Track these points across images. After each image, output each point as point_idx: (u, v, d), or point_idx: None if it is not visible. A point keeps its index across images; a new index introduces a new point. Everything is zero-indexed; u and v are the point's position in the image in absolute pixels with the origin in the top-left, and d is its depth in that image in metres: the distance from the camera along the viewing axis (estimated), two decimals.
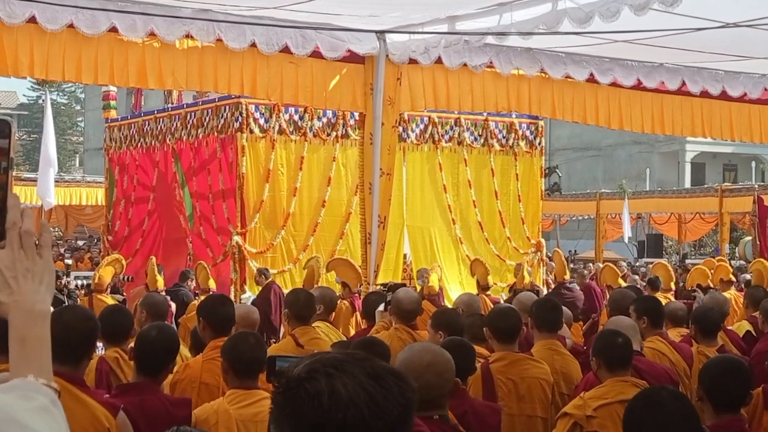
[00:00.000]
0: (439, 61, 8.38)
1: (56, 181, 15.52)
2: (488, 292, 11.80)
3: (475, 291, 12.33)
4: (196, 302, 10.26)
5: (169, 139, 14.55)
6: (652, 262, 17.46)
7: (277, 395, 1.54)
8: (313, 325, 5.99)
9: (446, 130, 14.58)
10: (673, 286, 11.84)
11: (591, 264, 19.87)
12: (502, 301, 10.25)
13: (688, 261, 25.32)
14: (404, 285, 10.15)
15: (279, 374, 2.54)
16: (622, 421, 3.40)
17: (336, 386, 1.49)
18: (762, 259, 12.76)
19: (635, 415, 3.31)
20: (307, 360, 1.56)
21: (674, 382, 5.13)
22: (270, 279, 11.65)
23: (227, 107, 13.06)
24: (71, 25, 6.99)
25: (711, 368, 4.06)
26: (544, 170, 31.24)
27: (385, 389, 1.51)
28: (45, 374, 1.43)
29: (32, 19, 6.84)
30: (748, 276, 13.60)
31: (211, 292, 10.32)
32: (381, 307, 8.24)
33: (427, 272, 11.55)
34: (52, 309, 1.52)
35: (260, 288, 11.59)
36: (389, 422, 1.50)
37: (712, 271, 12.33)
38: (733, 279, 12.89)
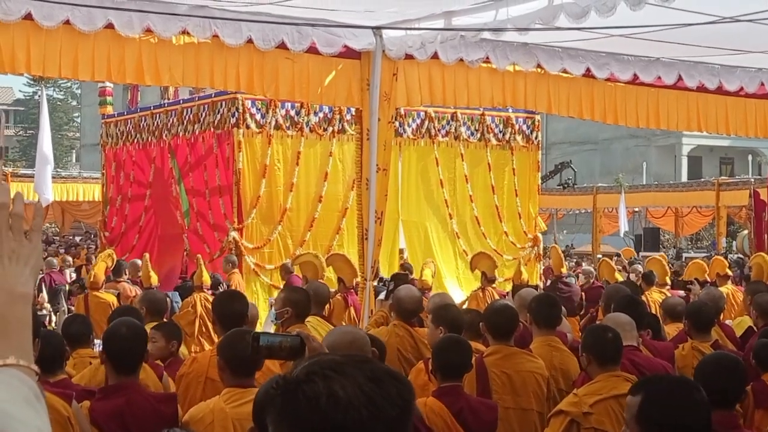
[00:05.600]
0: (435, 56, 8.37)
1: (53, 177, 15.46)
2: (494, 285, 11.79)
3: (474, 285, 12.37)
4: (190, 299, 10.26)
5: (166, 135, 14.52)
6: (648, 256, 17.47)
7: (275, 397, 1.54)
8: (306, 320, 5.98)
9: (443, 125, 14.57)
10: (668, 280, 11.81)
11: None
12: (506, 295, 10.26)
13: (684, 255, 25.30)
14: (406, 275, 10.12)
15: (266, 349, 2.57)
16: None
17: (334, 388, 1.48)
18: (762, 253, 12.71)
19: None
20: (306, 362, 1.56)
21: None
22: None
23: (224, 103, 13.04)
24: (68, 22, 6.97)
25: (707, 365, 4.07)
26: (556, 166, 30.97)
27: (383, 391, 1.51)
28: (26, 356, 1.43)
29: (28, 16, 6.82)
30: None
31: (204, 288, 10.33)
32: (381, 296, 8.20)
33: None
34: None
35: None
36: (388, 424, 1.50)
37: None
38: (730, 273, 12.89)
